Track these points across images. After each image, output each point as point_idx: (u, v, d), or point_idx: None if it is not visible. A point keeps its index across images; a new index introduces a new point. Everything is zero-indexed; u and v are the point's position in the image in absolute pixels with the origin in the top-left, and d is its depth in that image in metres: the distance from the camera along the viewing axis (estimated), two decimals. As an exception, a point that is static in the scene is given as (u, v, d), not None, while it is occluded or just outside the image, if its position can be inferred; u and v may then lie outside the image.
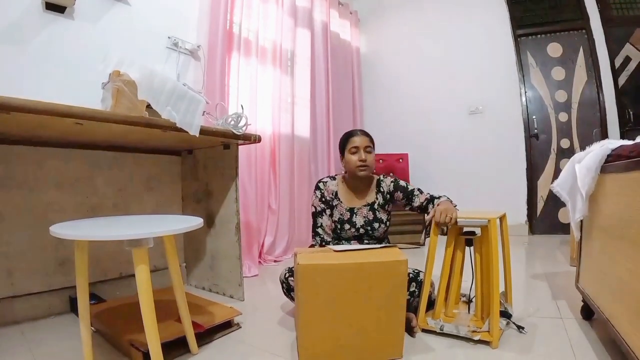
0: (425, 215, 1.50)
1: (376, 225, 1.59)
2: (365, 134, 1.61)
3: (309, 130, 3.22)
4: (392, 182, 1.63)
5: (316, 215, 1.62)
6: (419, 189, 1.60)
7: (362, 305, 1.14)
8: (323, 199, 1.62)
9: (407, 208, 1.61)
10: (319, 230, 1.60)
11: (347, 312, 1.14)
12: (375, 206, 1.61)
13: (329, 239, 1.60)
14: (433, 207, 1.50)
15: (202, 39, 2.40)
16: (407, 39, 4.10)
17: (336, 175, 1.69)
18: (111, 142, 1.72)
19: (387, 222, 1.64)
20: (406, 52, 4.10)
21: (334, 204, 1.62)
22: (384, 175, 1.67)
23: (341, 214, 1.61)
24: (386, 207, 1.63)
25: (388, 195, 1.62)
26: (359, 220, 1.59)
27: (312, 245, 1.62)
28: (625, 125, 3.24)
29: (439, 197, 1.53)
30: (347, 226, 1.59)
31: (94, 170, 1.79)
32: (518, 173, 3.57)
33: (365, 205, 1.61)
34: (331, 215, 1.62)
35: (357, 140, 1.57)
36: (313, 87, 3.31)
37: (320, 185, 1.64)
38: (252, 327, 1.49)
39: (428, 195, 1.56)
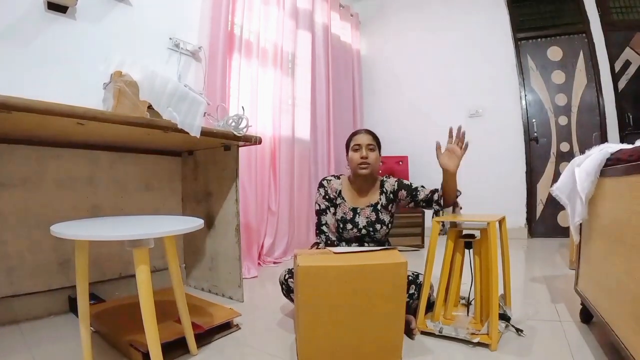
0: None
1: (378, 226, 1.59)
2: (370, 132, 1.62)
3: (309, 132, 3.22)
4: (396, 181, 1.64)
5: (320, 213, 1.62)
6: (422, 186, 1.62)
7: (361, 307, 1.14)
8: (327, 197, 1.62)
9: (411, 205, 1.62)
10: (324, 229, 1.60)
11: (347, 314, 1.14)
12: (379, 207, 1.61)
13: (333, 238, 1.60)
14: (439, 192, 1.54)
15: (204, 40, 2.40)
16: (407, 42, 4.11)
17: (341, 175, 1.70)
18: (112, 142, 1.73)
19: (390, 224, 1.64)
20: (407, 55, 4.11)
21: (338, 203, 1.63)
22: (387, 176, 1.68)
23: (344, 213, 1.61)
24: (389, 207, 1.63)
25: (391, 195, 1.62)
26: (361, 221, 1.59)
27: (316, 243, 1.62)
28: (625, 129, 3.25)
29: None
30: (349, 226, 1.60)
31: (94, 170, 1.79)
32: (518, 176, 3.58)
33: (368, 206, 1.61)
34: (335, 213, 1.63)
35: (360, 138, 1.59)
36: (313, 89, 3.31)
37: (324, 182, 1.65)
38: (251, 329, 1.49)
39: (433, 189, 1.59)
